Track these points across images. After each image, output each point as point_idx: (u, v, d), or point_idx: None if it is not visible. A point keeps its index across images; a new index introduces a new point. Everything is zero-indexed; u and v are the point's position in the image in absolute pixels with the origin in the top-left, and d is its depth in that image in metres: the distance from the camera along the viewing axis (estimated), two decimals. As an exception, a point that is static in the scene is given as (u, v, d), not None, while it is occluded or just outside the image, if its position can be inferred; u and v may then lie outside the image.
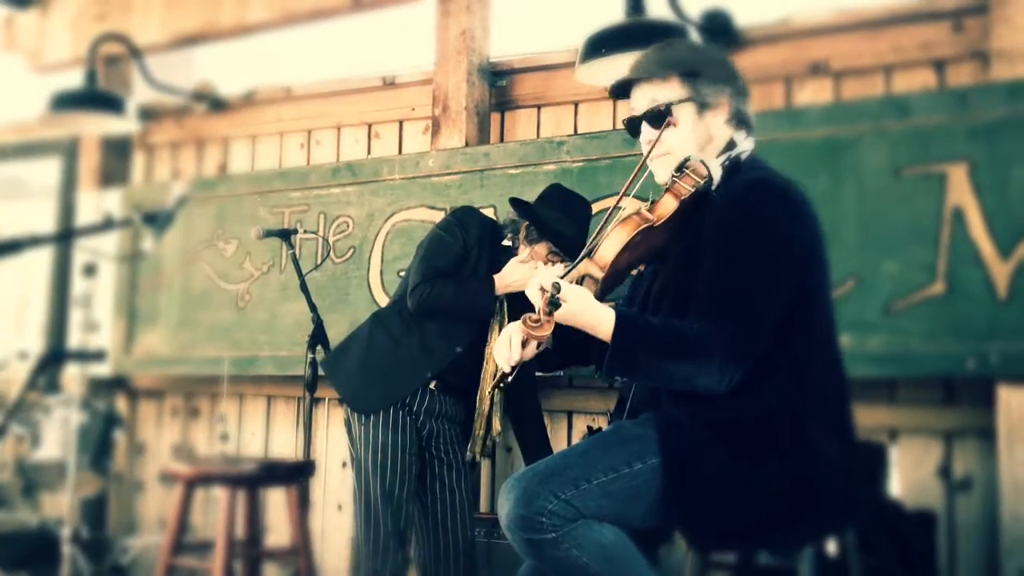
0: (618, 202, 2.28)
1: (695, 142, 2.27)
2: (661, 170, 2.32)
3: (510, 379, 2.23)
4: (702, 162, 2.26)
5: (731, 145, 2.29)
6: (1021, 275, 3.08)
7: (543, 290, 2.05)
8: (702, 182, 2.23)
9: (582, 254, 2.23)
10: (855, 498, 2.18)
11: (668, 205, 2.22)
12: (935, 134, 3.25)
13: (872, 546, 2.70)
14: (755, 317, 2.09)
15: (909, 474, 3.32)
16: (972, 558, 3.22)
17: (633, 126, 2.35)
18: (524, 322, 2.05)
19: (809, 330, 2.17)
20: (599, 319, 2.09)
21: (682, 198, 2.22)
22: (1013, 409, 3.09)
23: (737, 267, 2.12)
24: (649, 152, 2.30)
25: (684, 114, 2.27)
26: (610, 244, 2.18)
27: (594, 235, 2.25)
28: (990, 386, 3.15)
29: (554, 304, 2.03)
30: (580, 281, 2.20)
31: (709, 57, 2.32)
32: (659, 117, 2.28)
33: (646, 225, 2.19)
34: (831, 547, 2.31)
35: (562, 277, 2.15)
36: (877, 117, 3.34)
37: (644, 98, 2.30)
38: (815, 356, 2.18)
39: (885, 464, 3.14)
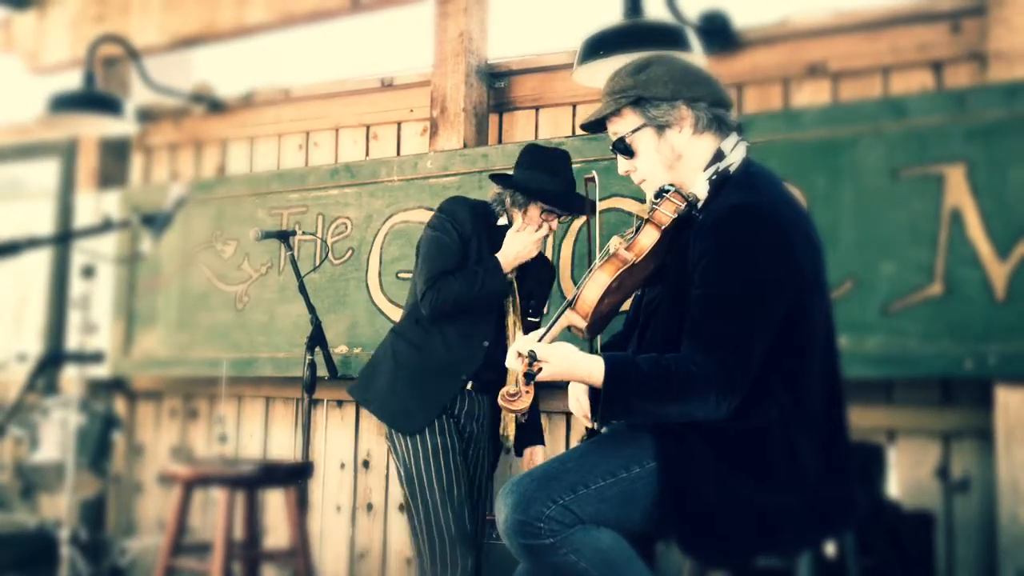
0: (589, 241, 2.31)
1: (662, 163, 2.27)
2: (648, 194, 2.34)
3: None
4: (678, 191, 2.25)
5: (719, 156, 2.26)
6: (1019, 276, 3.08)
7: (520, 356, 2.05)
8: (683, 206, 2.22)
9: (563, 305, 2.23)
10: (849, 504, 2.18)
11: (649, 238, 2.22)
12: (933, 135, 3.25)
13: (870, 547, 2.70)
14: (746, 349, 2.09)
15: (907, 475, 3.32)
16: (970, 559, 3.22)
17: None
18: (502, 397, 2.06)
19: (803, 348, 2.17)
20: (589, 372, 2.08)
21: (663, 227, 2.22)
22: (1011, 409, 3.10)
23: (725, 299, 2.11)
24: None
25: (644, 140, 2.27)
26: (590, 291, 2.19)
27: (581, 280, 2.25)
28: (988, 387, 3.15)
29: (530, 376, 2.02)
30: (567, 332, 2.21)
31: (652, 77, 2.25)
32: (624, 148, 2.30)
33: (626, 268, 2.19)
34: (829, 548, 2.31)
35: (544, 334, 2.16)
36: (875, 118, 3.34)
37: (612, 133, 2.33)
38: (809, 372, 2.18)
39: (883, 465, 3.14)
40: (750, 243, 2.11)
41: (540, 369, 2.04)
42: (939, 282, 3.19)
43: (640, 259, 2.20)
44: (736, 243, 2.12)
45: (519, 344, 2.10)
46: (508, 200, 3.30)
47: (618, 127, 2.30)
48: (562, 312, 2.22)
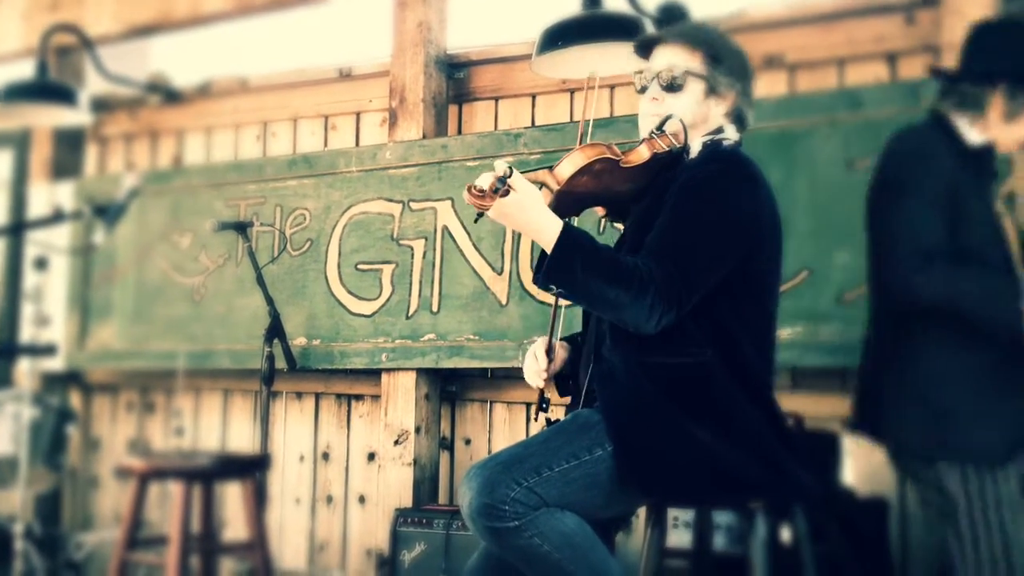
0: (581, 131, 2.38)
1: (692, 117, 2.36)
2: (648, 129, 2.38)
3: (548, 394, 2.30)
4: (683, 126, 2.32)
5: (719, 131, 2.38)
6: (971, 265, 3.12)
7: (495, 172, 2.10)
8: (678, 146, 2.31)
9: (543, 166, 2.28)
10: (797, 475, 2.22)
11: (640, 154, 2.29)
12: (887, 126, 3.25)
13: (824, 533, 2.74)
14: (694, 269, 2.17)
15: (862, 462, 3.35)
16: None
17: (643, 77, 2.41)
18: (468, 189, 2.11)
19: (747, 304, 2.26)
20: (546, 223, 2.15)
21: (655, 152, 2.29)
22: (963, 397, 3.13)
23: (690, 222, 2.21)
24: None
25: (693, 88, 2.36)
26: (570, 162, 2.24)
27: None
28: (941, 375, 3.19)
29: (502, 182, 2.08)
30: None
31: (735, 51, 2.41)
32: (671, 82, 2.35)
33: (609, 155, 2.25)
34: (784, 534, 2.34)
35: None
36: (830, 109, 3.37)
37: (664, 59, 2.38)
38: (748, 332, 2.26)
39: (838, 452, 3.18)
40: (724, 182, 2.24)
41: (508, 190, 2.09)
42: (893, 271, 3.22)
43: (625, 166, 2.27)
44: (711, 180, 2.24)
45: (497, 166, 2.13)
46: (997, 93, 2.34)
47: (679, 61, 2.36)
48: (539, 168, 2.27)
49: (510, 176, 2.09)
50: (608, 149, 2.26)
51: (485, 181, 2.12)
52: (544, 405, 2.38)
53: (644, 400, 2.19)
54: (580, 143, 2.32)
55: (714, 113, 2.37)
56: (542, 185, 2.22)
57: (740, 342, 2.23)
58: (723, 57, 2.36)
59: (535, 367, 2.39)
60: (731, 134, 2.39)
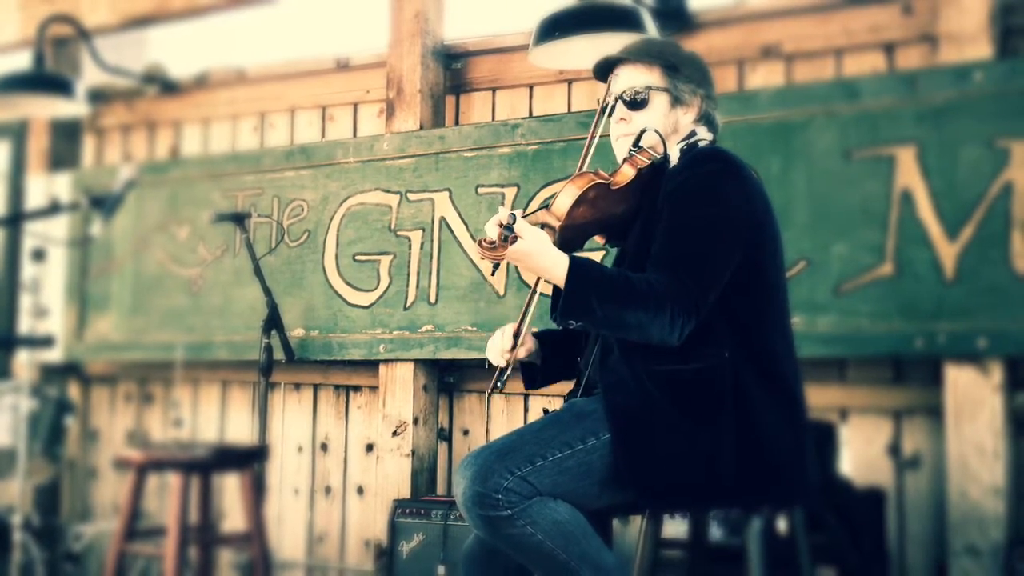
0: (583, 162, 2.38)
1: (662, 129, 2.38)
2: (625, 149, 2.40)
3: (507, 376, 2.30)
4: (660, 136, 2.36)
5: (692, 134, 2.41)
6: (968, 256, 3.12)
7: (500, 225, 2.12)
8: (658, 157, 2.35)
9: (540, 205, 2.30)
10: (803, 475, 2.22)
11: (625, 174, 2.32)
12: (884, 117, 3.28)
13: (821, 523, 2.75)
14: (705, 271, 2.19)
15: (859, 452, 3.36)
16: (920, 534, 3.28)
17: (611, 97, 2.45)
18: (480, 243, 2.14)
19: (758, 298, 2.27)
20: (554, 261, 2.16)
21: (639, 168, 2.32)
22: (960, 387, 3.14)
23: (690, 228, 2.22)
24: (595, 126, 2.41)
25: (659, 102, 2.39)
26: (565, 195, 2.27)
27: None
28: (938, 365, 3.20)
29: (509, 229, 2.10)
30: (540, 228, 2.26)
31: (690, 58, 2.46)
32: (635, 100, 2.40)
33: (600, 181, 2.28)
34: (780, 525, 2.34)
35: (522, 216, 2.21)
36: (828, 100, 3.37)
37: (624, 80, 2.43)
38: (765, 326, 2.27)
39: (835, 443, 3.19)
40: (715, 181, 2.26)
41: (516, 237, 2.11)
42: (890, 262, 3.23)
43: (615, 188, 2.30)
44: (703, 180, 2.26)
45: (500, 214, 2.15)
46: None
47: (640, 79, 2.40)
48: (538, 210, 2.30)
49: (514, 223, 2.11)
50: (596, 175, 2.30)
51: (492, 232, 2.15)
52: (500, 384, 2.38)
53: (653, 409, 2.18)
54: (581, 166, 2.35)
55: (683, 121, 2.41)
56: (543, 225, 2.25)
57: (763, 335, 2.25)
58: (680, 66, 2.40)
59: (499, 346, 2.43)
60: (704, 135, 2.43)
